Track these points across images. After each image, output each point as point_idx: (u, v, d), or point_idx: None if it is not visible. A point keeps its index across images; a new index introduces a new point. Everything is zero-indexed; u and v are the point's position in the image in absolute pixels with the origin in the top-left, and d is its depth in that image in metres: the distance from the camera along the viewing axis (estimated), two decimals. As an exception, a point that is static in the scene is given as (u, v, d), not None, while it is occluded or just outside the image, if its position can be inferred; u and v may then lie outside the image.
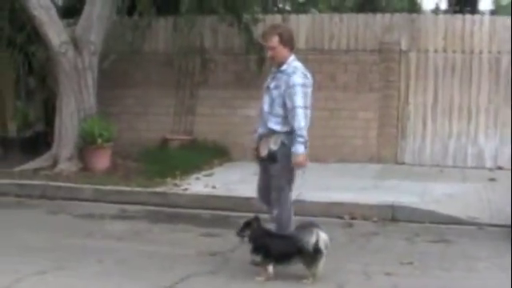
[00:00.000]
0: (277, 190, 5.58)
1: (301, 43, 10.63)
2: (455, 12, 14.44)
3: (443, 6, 16.81)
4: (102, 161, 9.92)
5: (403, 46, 11.02)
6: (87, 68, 10.13)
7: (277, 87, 5.53)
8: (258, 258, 5.26)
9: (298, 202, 6.21)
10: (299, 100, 5.41)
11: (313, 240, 5.05)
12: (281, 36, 5.56)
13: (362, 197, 8.11)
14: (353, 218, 7.56)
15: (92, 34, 10.11)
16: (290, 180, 5.61)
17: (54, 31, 9.90)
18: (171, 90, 11.77)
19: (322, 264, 5.11)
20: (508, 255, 5.83)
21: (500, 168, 10.54)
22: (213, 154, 10.94)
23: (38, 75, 11.94)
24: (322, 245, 5.07)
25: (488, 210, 7.70)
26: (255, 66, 10.72)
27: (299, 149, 5.38)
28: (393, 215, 7.63)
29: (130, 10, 10.96)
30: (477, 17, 11.47)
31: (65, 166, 9.84)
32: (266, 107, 5.59)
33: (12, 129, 11.17)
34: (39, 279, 5.19)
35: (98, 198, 8.57)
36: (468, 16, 11.39)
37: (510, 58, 10.56)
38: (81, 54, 10.07)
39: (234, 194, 8.28)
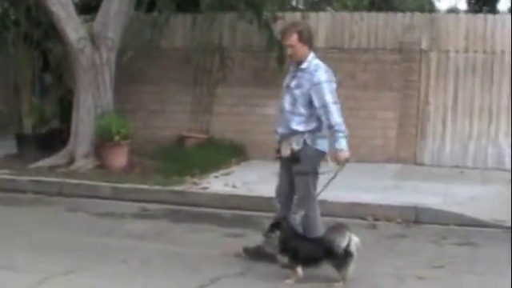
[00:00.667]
0: (301, 189, 5.48)
1: (320, 41, 10.56)
2: (476, 12, 14.33)
3: (461, 5, 16.76)
4: (118, 158, 9.78)
5: (424, 46, 10.91)
6: (105, 64, 10.04)
7: (299, 86, 5.43)
8: (285, 260, 5.16)
9: (320, 202, 6.07)
10: (328, 96, 5.33)
11: (345, 243, 4.96)
12: (300, 34, 5.47)
13: (384, 197, 8.00)
14: (376, 219, 7.46)
15: (110, 29, 10.03)
16: (314, 179, 5.49)
17: (72, 27, 9.82)
18: (188, 87, 11.64)
19: (352, 267, 5.02)
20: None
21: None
22: (230, 152, 10.81)
23: (54, 72, 11.86)
24: (353, 248, 4.99)
25: (512, 212, 7.58)
26: (275, 64, 10.55)
27: (342, 144, 5.28)
28: (416, 217, 7.51)
29: (150, 7, 10.86)
30: (498, 16, 11.38)
31: (81, 163, 9.74)
32: (287, 106, 5.49)
33: (27, 125, 11.07)
34: (65, 279, 5.10)
35: (116, 196, 8.47)
36: (490, 16, 11.31)
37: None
38: (98, 49, 9.98)
39: (255, 193, 8.18)
